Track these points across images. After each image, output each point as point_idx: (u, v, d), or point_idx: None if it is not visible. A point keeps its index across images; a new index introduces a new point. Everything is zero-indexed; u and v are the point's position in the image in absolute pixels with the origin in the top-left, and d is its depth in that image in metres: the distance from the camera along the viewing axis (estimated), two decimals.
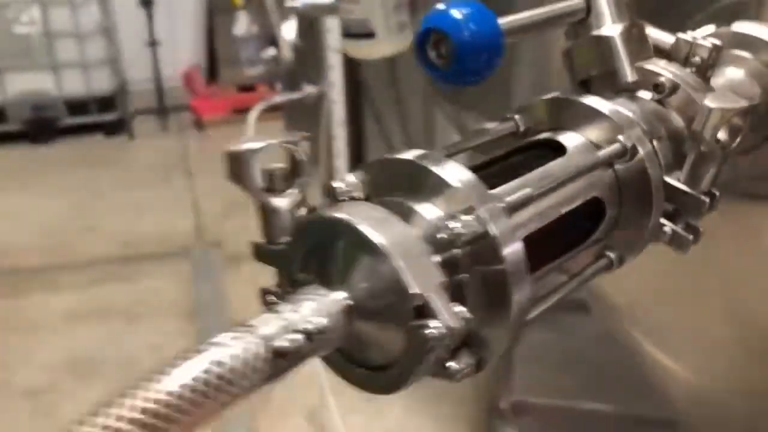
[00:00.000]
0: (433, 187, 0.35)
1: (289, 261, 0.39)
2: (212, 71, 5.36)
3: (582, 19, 0.39)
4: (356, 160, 2.37)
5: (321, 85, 2.37)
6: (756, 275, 0.66)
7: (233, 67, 5.31)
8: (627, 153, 0.35)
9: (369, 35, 0.98)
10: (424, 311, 0.30)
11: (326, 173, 2.49)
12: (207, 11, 5.25)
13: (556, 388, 2.02)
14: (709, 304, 0.83)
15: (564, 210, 0.35)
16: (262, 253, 0.41)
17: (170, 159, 4.69)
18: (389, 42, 0.98)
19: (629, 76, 0.38)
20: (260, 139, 0.39)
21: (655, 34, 0.42)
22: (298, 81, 2.50)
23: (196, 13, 5.63)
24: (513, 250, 0.33)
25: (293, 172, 0.39)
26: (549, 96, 0.41)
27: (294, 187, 0.39)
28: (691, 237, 0.39)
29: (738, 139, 0.39)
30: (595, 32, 0.39)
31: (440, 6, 0.34)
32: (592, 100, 0.37)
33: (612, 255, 0.39)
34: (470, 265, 0.33)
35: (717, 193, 0.41)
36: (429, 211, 0.34)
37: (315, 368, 0.49)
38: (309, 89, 2.41)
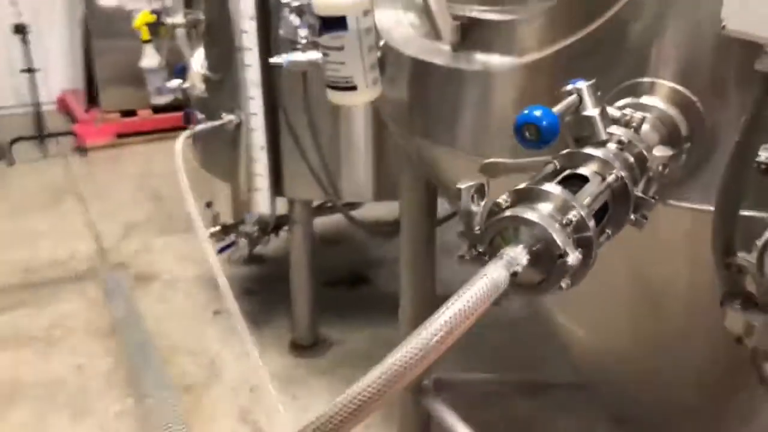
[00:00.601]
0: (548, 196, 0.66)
1: (481, 240, 0.67)
2: (91, 96, 5.34)
3: (577, 106, 0.72)
4: (276, 177, 2.63)
5: (240, 113, 2.60)
6: (653, 251, 1.02)
7: (114, 92, 5.34)
8: (618, 179, 0.68)
9: (352, 88, 1.28)
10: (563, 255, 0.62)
11: (243, 191, 2.72)
12: (84, 36, 5.24)
13: (471, 364, 2.38)
14: (615, 276, 1.18)
15: (598, 205, 0.68)
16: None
17: (55, 184, 4.65)
18: (367, 93, 1.28)
19: (603, 136, 0.71)
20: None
21: (610, 110, 0.76)
22: (212, 109, 2.70)
23: (71, 38, 5.58)
24: (591, 225, 0.66)
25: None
26: (568, 151, 0.74)
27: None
28: (644, 221, 0.74)
29: (666, 169, 0.74)
30: (584, 113, 0.72)
31: (528, 110, 0.65)
32: (593, 151, 0.70)
33: (609, 232, 0.72)
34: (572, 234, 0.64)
35: (656, 197, 0.77)
36: (547, 208, 0.66)
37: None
38: (228, 117, 2.63)
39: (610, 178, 0.69)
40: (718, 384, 1.25)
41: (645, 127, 0.78)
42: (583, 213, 0.63)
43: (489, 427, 2.19)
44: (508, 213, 0.62)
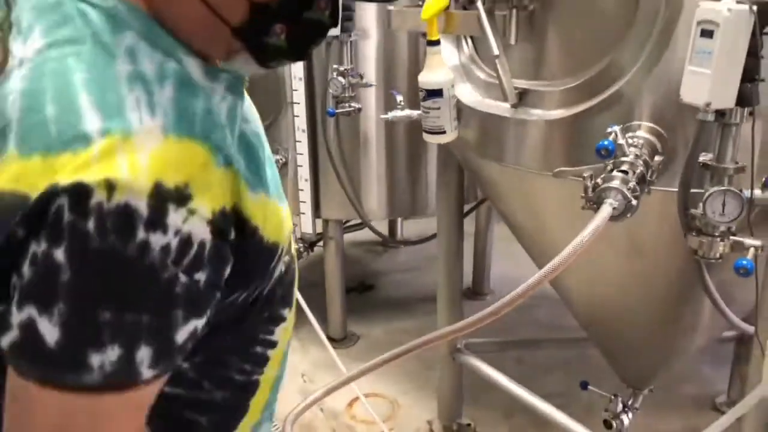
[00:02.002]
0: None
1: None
2: None
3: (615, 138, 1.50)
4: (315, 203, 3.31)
5: (285, 153, 3.30)
6: (640, 219, 1.78)
7: None
8: (640, 171, 1.45)
9: (442, 133, 2.02)
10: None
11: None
12: None
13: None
14: (614, 245, 1.94)
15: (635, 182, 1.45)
16: None
17: None
18: (451, 135, 2.02)
19: (627, 151, 1.48)
20: None
21: (627, 140, 1.54)
22: None
23: None
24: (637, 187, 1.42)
25: None
26: (614, 161, 1.51)
27: None
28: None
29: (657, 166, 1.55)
30: (619, 141, 1.48)
31: (603, 141, 1.41)
32: (624, 159, 1.46)
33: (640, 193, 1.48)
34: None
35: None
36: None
37: None
38: (276, 158, 3.32)
39: (638, 171, 1.47)
40: (673, 303, 2.05)
41: (644, 148, 1.57)
42: (631, 184, 1.40)
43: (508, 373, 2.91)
44: (610, 184, 1.40)
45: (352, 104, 3.00)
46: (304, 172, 3.26)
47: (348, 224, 3.85)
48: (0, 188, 0.68)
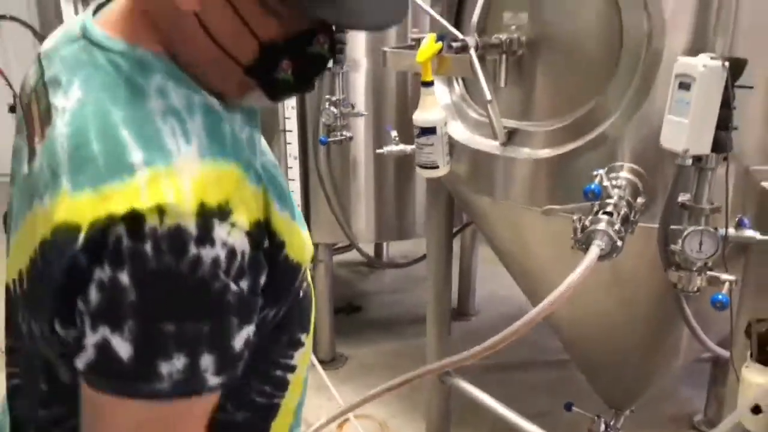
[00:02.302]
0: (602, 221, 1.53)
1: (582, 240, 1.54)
2: None
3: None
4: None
5: None
6: (630, 258, 1.90)
7: None
8: (624, 211, 1.55)
9: (435, 168, 2.12)
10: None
11: None
12: None
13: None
14: (598, 275, 2.05)
15: (620, 224, 1.55)
16: None
17: None
18: (444, 170, 2.12)
19: (612, 193, 1.59)
20: None
21: (611, 181, 1.64)
22: None
23: None
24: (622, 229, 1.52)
25: None
26: (600, 201, 1.61)
27: None
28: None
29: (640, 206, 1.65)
30: (604, 183, 1.60)
31: (590, 185, 1.51)
32: (609, 200, 1.57)
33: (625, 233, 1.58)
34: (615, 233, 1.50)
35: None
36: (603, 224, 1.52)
37: None
38: None
39: (622, 212, 1.58)
40: (654, 329, 2.16)
41: (627, 189, 1.68)
42: (617, 227, 1.51)
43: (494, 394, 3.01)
44: (597, 226, 1.50)
45: (344, 133, 3.10)
46: (296, 197, 3.34)
47: (335, 246, 3.93)
48: (57, 223, 0.76)
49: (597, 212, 1.57)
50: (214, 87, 0.88)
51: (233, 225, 0.77)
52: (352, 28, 0.88)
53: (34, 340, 0.87)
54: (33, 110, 0.91)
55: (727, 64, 1.50)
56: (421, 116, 2.09)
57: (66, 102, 0.83)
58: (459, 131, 2.18)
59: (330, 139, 3.09)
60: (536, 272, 2.25)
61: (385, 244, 4.71)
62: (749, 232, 1.64)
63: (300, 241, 0.93)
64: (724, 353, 2.17)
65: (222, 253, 0.76)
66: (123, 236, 0.73)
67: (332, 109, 3.04)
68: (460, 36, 1.89)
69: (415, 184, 3.42)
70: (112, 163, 0.76)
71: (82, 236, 0.74)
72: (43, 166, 0.82)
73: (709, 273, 1.66)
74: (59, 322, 0.79)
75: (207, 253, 0.75)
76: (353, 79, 3.15)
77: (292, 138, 3.25)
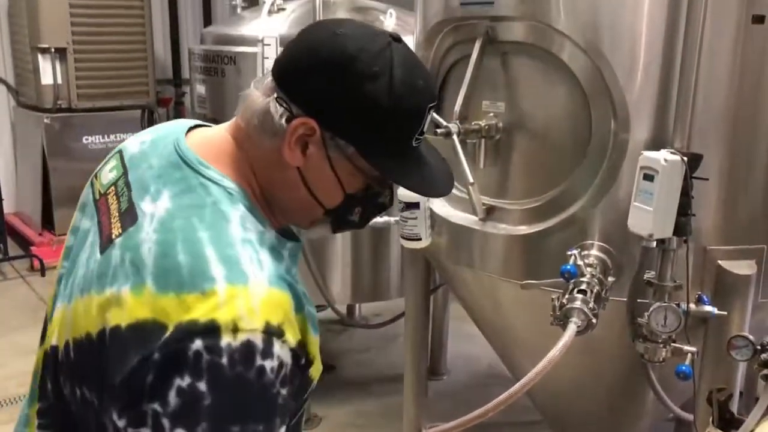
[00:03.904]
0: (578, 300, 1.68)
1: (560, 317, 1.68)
2: (46, 216, 5.85)
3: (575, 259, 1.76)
4: None
5: None
6: (599, 327, 2.05)
7: (69, 213, 5.86)
8: (598, 289, 1.70)
9: (418, 239, 2.26)
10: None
11: None
12: (42, 157, 5.74)
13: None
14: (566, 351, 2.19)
15: (593, 300, 1.70)
16: None
17: (27, 303, 5.12)
18: (426, 241, 2.27)
19: (585, 272, 1.74)
20: None
21: (583, 260, 1.80)
22: None
23: (22, 161, 6.09)
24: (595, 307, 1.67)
25: None
26: (574, 281, 1.76)
27: None
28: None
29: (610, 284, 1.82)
30: (578, 263, 1.75)
31: (566, 265, 1.67)
32: (582, 279, 1.71)
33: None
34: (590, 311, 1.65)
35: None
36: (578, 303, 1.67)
37: None
38: None
39: (595, 290, 1.73)
40: (621, 393, 2.30)
41: (598, 267, 1.84)
42: (591, 305, 1.66)
43: None
44: (573, 305, 1.65)
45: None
46: None
47: None
48: (144, 317, 0.89)
49: (572, 290, 1.73)
50: (292, 220, 1.07)
51: (285, 342, 0.90)
52: (425, 195, 1.15)
53: (86, 404, 0.98)
54: (110, 202, 1.05)
55: (685, 158, 1.68)
56: (405, 192, 2.23)
57: (154, 209, 0.97)
58: (440, 206, 2.33)
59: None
60: (511, 337, 2.38)
61: (358, 305, 4.82)
62: (707, 308, 1.81)
63: (318, 364, 1.04)
64: (688, 416, 2.32)
65: (276, 365, 0.89)
66: (202, 351, 0.86)
67: None
68: (444, 123, 2.06)
69: (391, 248, 3.57)
70: (197, 276, 0.89)
71: (167, 334, 0.86)
72: (125, 260, 0.94)
73: (673, 345, 1.81)
74: (119, 413, 0.89)
75: (268, 364, 0.88)
76: None
77: None
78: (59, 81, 5.97)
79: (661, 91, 1.87)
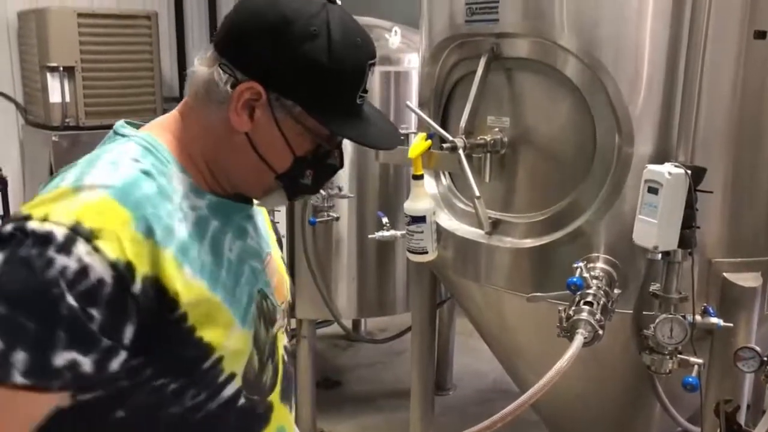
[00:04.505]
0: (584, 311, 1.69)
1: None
2: None
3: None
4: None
5: None
6: (605, 340, 2.06)
7: None
8: (604, 301, 1.73)
9: (425, 253, 2.27)
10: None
11: None
12: (50, 174, 5.84)
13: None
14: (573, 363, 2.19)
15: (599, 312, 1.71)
16: None
17: None
18: (433, 255, 2.28)
19: (591, 284, 1.77)
20: None
21: (589, 272, 1.82)
22: None
23: (38, 175, 6.14)
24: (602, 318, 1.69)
25: None
26: (580, 293, 1.79)
27: None
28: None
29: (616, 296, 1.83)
30: (584, 275, 1.77)
31: (573, 278, 1.68)
32: (589, 291, 1.74)
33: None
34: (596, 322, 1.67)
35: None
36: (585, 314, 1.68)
37: None
38: None
39: (601, 302, 1.75)
40: (627, 406, 2.30)
41: (603, 279, 1.86)
42: (597, 316, 1.67)
43: None
44: (580, 316, 1.66)
45: (331, 214, 3.26)
46: None
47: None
48: None
49: (579, 302, 1.74)
50: (245, 189, 1.08)
51: (96, 249, 0.89)
52: (365, 145, 1.10)
53: None
54: None
55: (689, 172, 1.70)
56: (411, 206, 2.26)
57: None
58: (446, 220, 2.35)
59: (318, 220, 3.24)
60: (517, 350, 2.39)
61: (363, 320, 4.84)
62: (713, 319, 1.82)
63: (222, 328, 0.99)
64: (695, 429, 2.32)
65: (74, 267, 0.88)
66: (11, 230, 0.90)
67: (321, 191, 3.21)
68: (450, 138, 2.08)
69: (396, 263, 3.58)
70: (58, 178, 0.98)
71: None
72: None
73: (679, 356, 1.82)
74: None
75: (61, 261, 0.87)
76: None
77: (280, 218, 3.39)
78: (67, 99, 6.03)
79: (665, 105, 1.89)
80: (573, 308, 1.71)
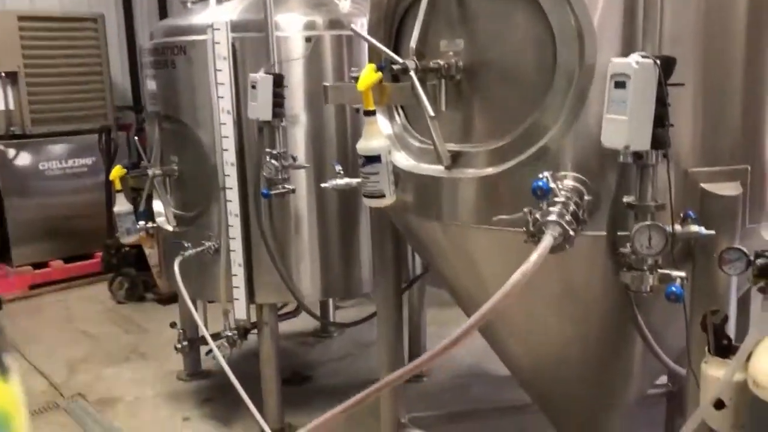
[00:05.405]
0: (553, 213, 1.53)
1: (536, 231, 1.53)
2: (1, 252, 5.62)
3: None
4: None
5: (217, 240, 3.31)
6: (570, 265, 1.90)
7: (26, 247, 5.66)
8: (575, 207, 1.57)
9: (382, 197, 2.10)
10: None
11: (223, 303, 3.34)
12: None
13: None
14: (549, 292, 2.03)
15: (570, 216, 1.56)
16: None
17: None
18: (390, 198, 2.11)
19: (559, 194, 1.62)
20: None
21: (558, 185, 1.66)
22: (190, 240, 3.37)
23: None
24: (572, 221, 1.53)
25: None
26: (551, 200, 1.62)
27: None
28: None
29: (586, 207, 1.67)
30: (551, 185, 1.62)
31: (538, 180, 1.54)
32: (558, 199, 1.58)
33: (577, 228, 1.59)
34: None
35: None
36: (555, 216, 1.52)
37: None
38: (208, 244, 3.33)
39: (571, 208, 1.59)
40: (607, 345, 2.14)
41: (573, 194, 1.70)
42: (567, 218, 1.52)
43: None
44: (548, 218, 1.50)
45: (286, 186, 3.07)
46: (238, 257, 3.25)
47: (279, 312, 3.81)
48: None
49: (547, 206, 1.58)
50: None
51: None
52: None
53: None
54: None
55: (658, 61, 1.56)
56: (365, 145, 2.09)
57: None
58: (403, 160, 2.19)
59: (272, 192, 3.05)
60: (486, 294, 2.21)
61: (331, 310, 4.63)
62: (694, 227, 1.67)
63: None
64: (681, 370, 2.16)
65: None
66: None
67: (273, 162, 3.02)
68: (400, 60, 1.93)
69: (361, 240, 3.40)
70: None
71: None
72: None
73: (660, 271, 1.67)
74: None
75: None
76: (293, 134, 3.15)
77: (233, 195, 3.20)
78: (11, 106, 5.79)
79: (627, 7, 1.76)
80: (540, 212, 1.55)
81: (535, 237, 1.53)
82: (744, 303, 1.96)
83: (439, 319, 4.45)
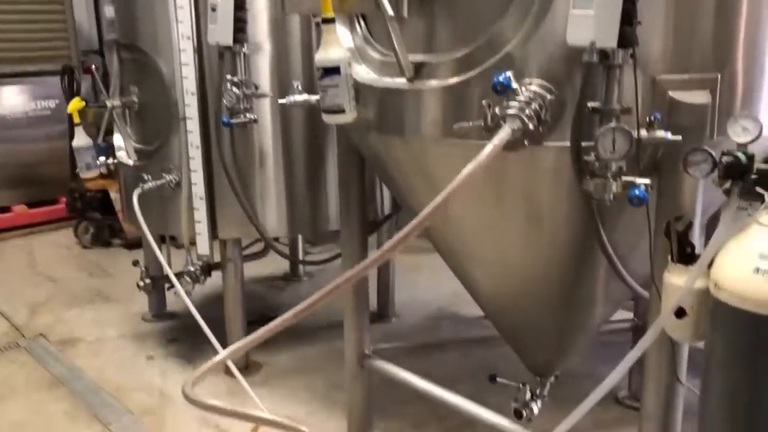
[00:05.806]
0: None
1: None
2: None
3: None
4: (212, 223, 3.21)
5: (178, 173, 3.21)
6: (534, 179, 1.84)
7: None
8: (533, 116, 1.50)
9: (341, 112, 2.01)
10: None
11: (185, 239, 3.26)
12: None
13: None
14: (514, 212, 1.96)
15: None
16: None
17: None
18: (350, 114, 2.02)
19: (521, 94, 1.54)
20: None
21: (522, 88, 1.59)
22: (150, 174, 3.26)
23: None
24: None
25: None
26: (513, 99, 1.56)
27: None
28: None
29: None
30: (513, 85, 1.53)
31: (498, 75, 1.45)
32: (521, 98, 1.50)
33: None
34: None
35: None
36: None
37: None
38: (169, 177, 3.23)
39: (533, 106, 1.52)
40: (572, 268, 2.09)
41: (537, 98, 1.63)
42: (528, 112, 1.44)
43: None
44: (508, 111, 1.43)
45: (248, 115, 2.97)
46: (199, 190, 3.16)
47: (246, 253, 3.73)
48: None
49: (507, 102, 1.51)
50: None
51: None
52: None
53: None
54: None
55: None
56: (323, 55, 1.99)
57: None
58: (364, 74, 2.09)
59: (233, 121, 2.94)
60: (454, 222, 2.15)
61: (301, 252, 4.57)
62: (660, 133, 1.61)
63: None
64: (645, 294, 2.12)
65: None
66: None
67: (234, 90, 2.91)
68: None
69: (328, 176, 3.31)
70: None
71: None
72: None
73: (624, 178, 1.61)
74: None
75: None
76: (256, 62, 3.04)
77: (193, 126, 3.09)
78: None
79: None
80: (499, 106, 1.48)
81: (493, 132, 1.45)
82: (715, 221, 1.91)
83: (409, 265, 4.41)
